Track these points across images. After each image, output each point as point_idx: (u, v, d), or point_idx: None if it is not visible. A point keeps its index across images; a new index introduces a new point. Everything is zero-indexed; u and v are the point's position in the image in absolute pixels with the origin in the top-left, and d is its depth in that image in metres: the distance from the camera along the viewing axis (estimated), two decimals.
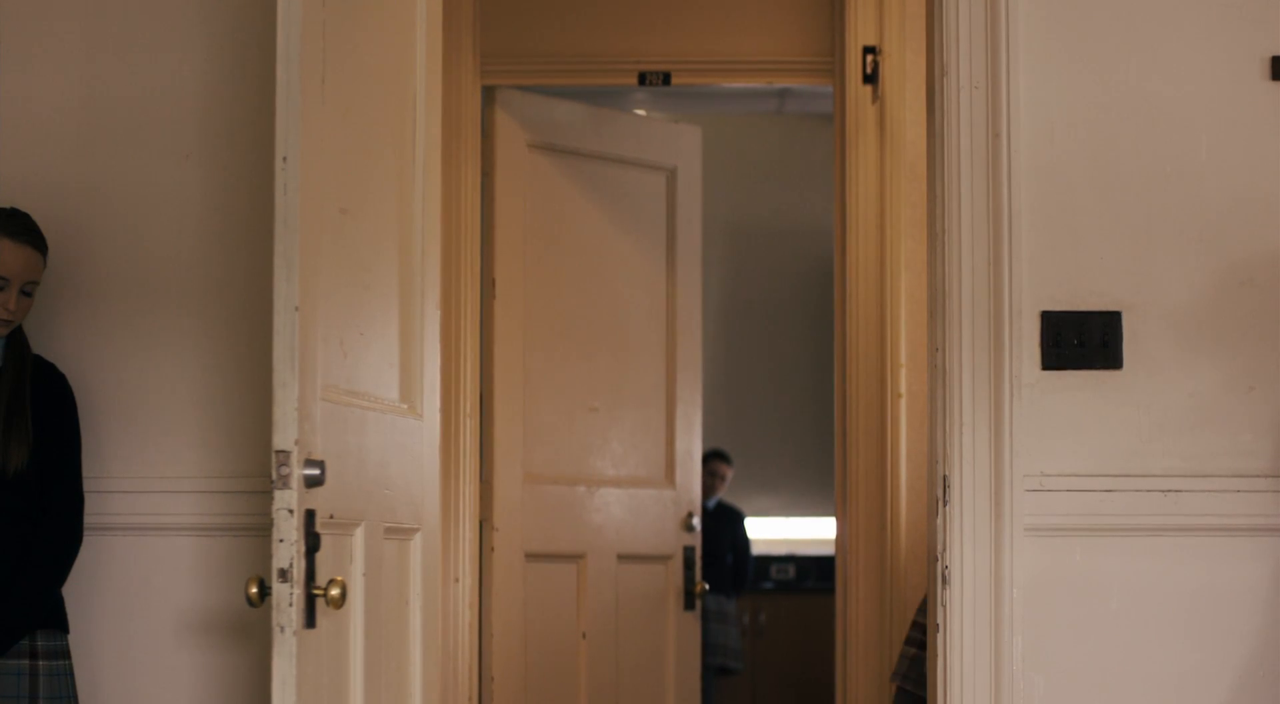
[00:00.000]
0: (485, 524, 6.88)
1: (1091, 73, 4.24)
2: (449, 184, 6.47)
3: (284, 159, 3.45)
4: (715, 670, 10.25)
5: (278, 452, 3.40)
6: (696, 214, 7.59)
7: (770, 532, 11.76)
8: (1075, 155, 4.23)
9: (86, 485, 4.23)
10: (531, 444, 7.06)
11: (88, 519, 4.23)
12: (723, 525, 10.58)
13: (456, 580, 6.46)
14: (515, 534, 6.97)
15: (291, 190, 3.45)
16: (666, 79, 6.90)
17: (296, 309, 3.42)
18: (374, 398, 3.85)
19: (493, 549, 6.88)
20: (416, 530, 4.05)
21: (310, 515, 3.43)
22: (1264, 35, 4.25)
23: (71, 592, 4.26)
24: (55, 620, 4.17)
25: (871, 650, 6.57)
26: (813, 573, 11.57)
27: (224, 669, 4.26)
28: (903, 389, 6.38)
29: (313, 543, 3.44)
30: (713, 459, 10.67)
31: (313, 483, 3.44)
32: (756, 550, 11.28)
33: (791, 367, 11.56)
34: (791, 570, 11.67)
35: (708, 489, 10.46)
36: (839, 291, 6.77)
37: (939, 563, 4.20)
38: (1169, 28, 4.26)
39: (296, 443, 3.40)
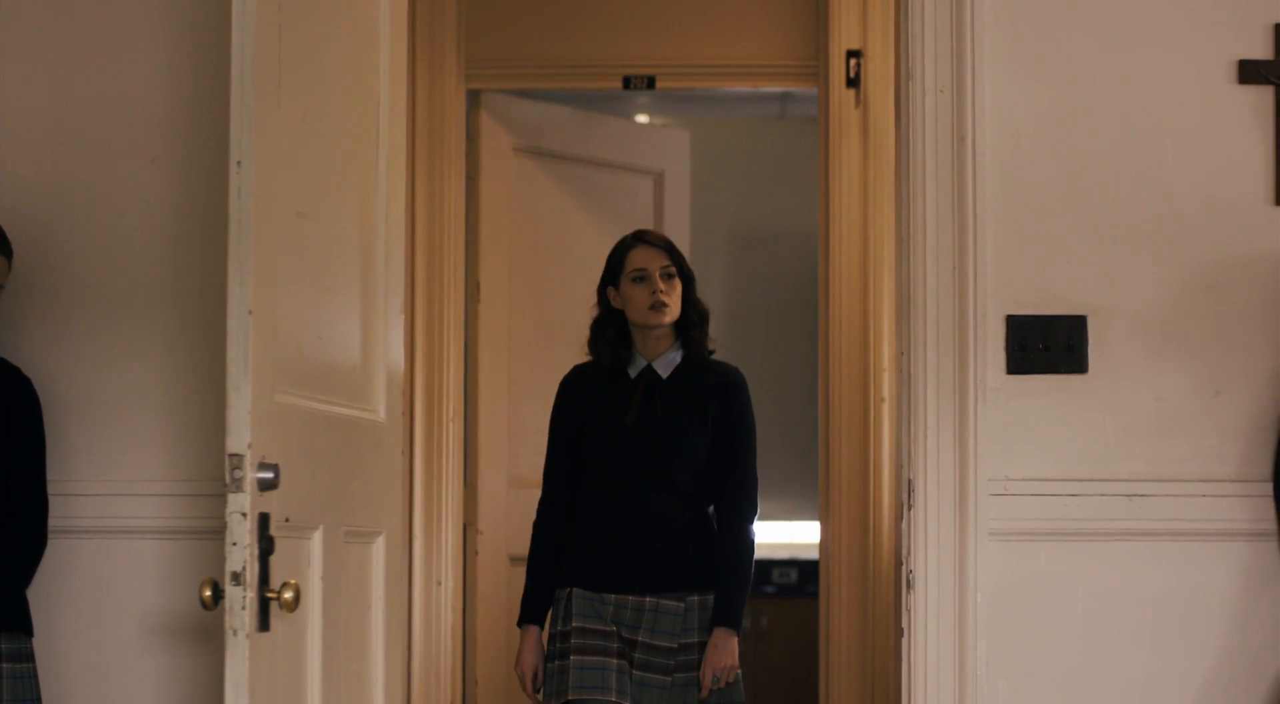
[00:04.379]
0: (469, 528, 6.89)
1: (1058, 76, 4.24)
2: (433, 188, 6.48)
3: (238, 163, 3.46)
4: None
5: (231, 455, 3.41)
6: (684, 218, 7.60)
7: (772, 536, 11.74)
8: (1041, 159, 4.23)
9: (51, 489, 4.24)
10: (516, 448, 7.06)
11: (52, 522, 4.23)
12: None
13: (439, 584, 6.47)
14: (499, 538, 6.97)
15: (245, 194, 3.45)
16: (651, 83, 6.90)
17: (250, 313, 3.43)
18: (333, 401, 3.84)
19: (476, 553, 6.89)
20: (379, 533, 4.05)
21: (264, 519, 3.43)
22: (1232, 39, 4.25)
23: (36, 595, 4.27)
24: (19, 623, 4.18)
25: (854, 652, 6.57)
26: (815, 577, 11.54)
27: (188, 672, 4.27)
28: (885, 393, 6.38)
29: (266, 546, 3.44)
30: None
31: (266, 486, 3.44)
32: (758, 554, 11.23)
33: (792, 371, 11.53)
34: (794, 575, 11.65)
35: None
36: (822, 295, 6.77)
37: (904, 567, 4.20)
38: (1136, 32, 4.25)
39: (249, 446, 3.40)
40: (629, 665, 4.80)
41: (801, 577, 11.58)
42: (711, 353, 4.99)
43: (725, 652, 4.80)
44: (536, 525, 5.01)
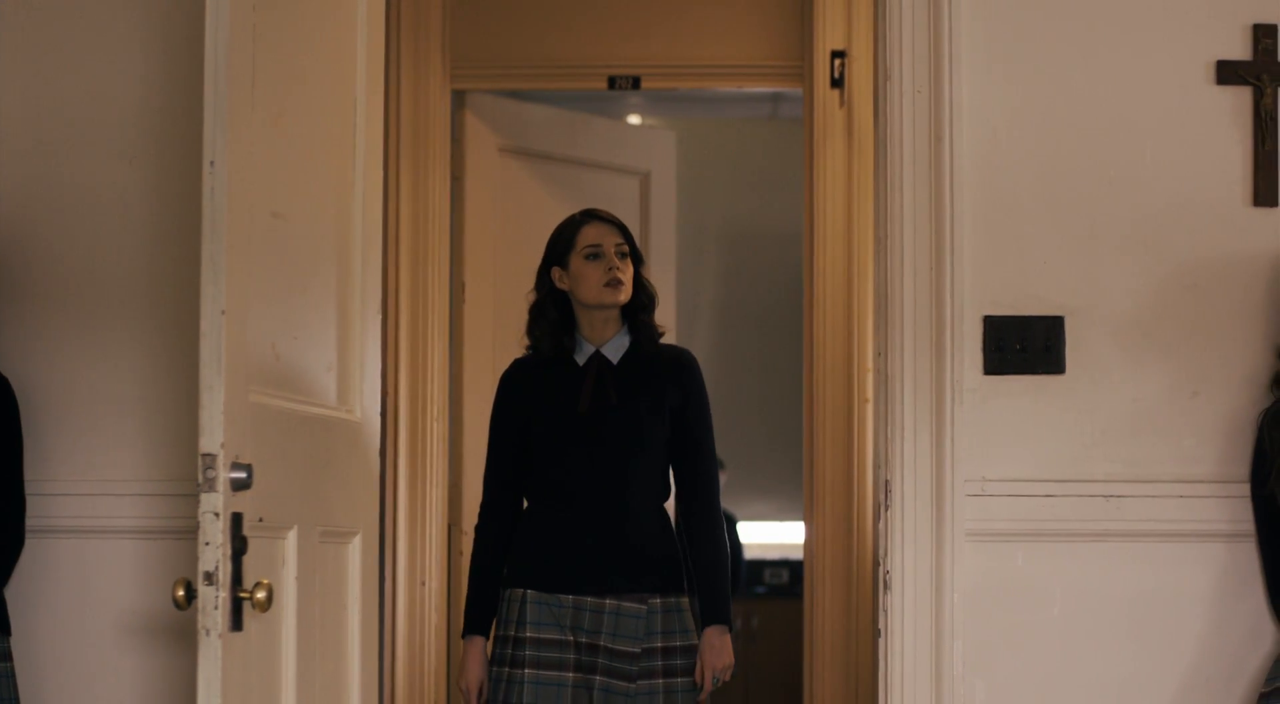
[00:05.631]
0: (454, 528, 6.89)
1: (1036, 77, 4.24)
2: (418, 188, 6.48)
3: (211, 163, 3.45)
4: None
5: (203, 455, 3.40)
6: (670, 218, 7.60)
7: (764, 536, 11.76)
8: (1019, 159, 4.23)
9: (28, 488, 4.24)
10: None
11: (30, 522, 4.24)
12: None
13: (423, 584, 6.47)
14: None
15: (219, 194, 3.45)
16: (636, 83, 6.90)
17: (223, 313, 3.42)
18: (309, 401, 3.84)
19: (461, 553, 6.88)
20: (355, 533, 4.05)
21: (237, 518, 3.43)
22: (1209, 40, 4.25)
23: (14, 594, 4.27)
24: None
25: (838, 652, 6.57)
26: None
27: (165, 671, 4.27)
28: (869, 394, 6.37)
29: (239, 546, 3.44)
30: None
31: (239, 486, 3.43)
32: (750, 555, 11.28)
33: (785, 371, 11.55)
34: (785, 575, 11.66)
35: None
36: (807, 296, 6.77)
37: (881, 568, 4.20)
38: (1114, 33, 4.25)
39: (222, 446, 3.40)
40: (587, 674, 4.55)
41: (793, 577, 11.60)
42: (660, 335, 4.73)
43: (722, 651, 4.58)
44: (480, 530, 4.72)
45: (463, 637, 4.69)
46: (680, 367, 4.69)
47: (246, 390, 3.52)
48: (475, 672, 4.64)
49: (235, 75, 3.49)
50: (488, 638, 4.66)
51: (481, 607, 4.68)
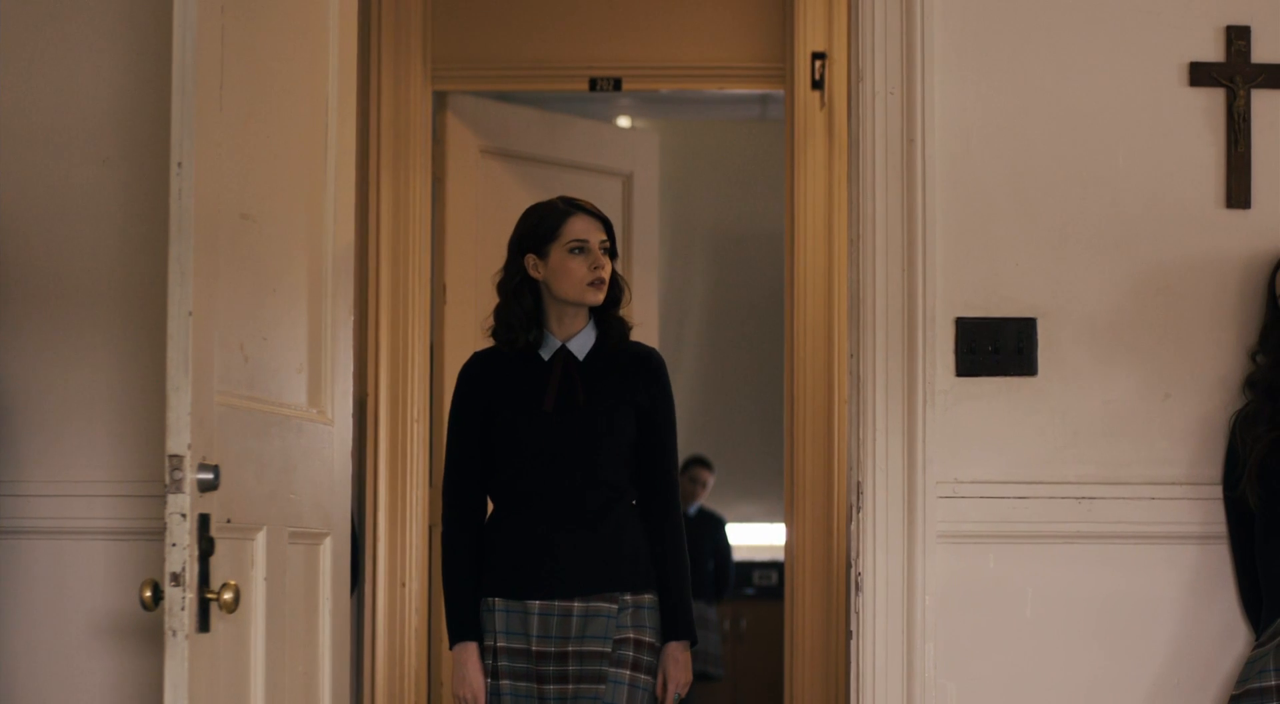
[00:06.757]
0: (434, 529, 6.88)
1: (1009, 79, 4.24)
2: (398, 189, 6.48)
3: (178, 165, 3.45)
4: (695, 677, 10.24)
5: (170, 456, 3.40)
6: (653, 219, 7.60)
7: (752, 538, 11.76)
8: (991, 161, 4.23)
9: (1, 489, 4.24)
10: None
11: (2, 523, 4.24)
12: (704, 532, 10.61)
13: (403, 585, 6.46)
14: None
15: (186, 195, 3.45)
16: (617, 84, 6.90)
17: (190, 314, 3.42)
18: (278, 403, 3.85)
19: None
20: (326, 535, 4.05)
21: (204, 519, 3.43)
22: (1183, 42, 4.25)
23: None
24: None
25: (817, 653, 6.58)
26: None
27: (138, 673, 4.27)
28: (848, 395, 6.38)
29: (206, 547, 3.44)
30: (694, 465, 10.69)
31: (206, 487, 3.44)
32: (739, 557, 11.28)
33: (772, 372, 11.56)
34: (774, 576, 11.67)
35: (688, 496, 10.47)
36: (788, 297, 6.78)
37: (852, 569, 4.20)
38: (1087, 34, 4.25)
39: (189, 447, 3.40)
40: (556, 684, 4.41)
41: (781, 579, 11.60)
42: (629, 329, 4.57)
43: (686, 666, 4.50)
44: (449, 535, 4.51)
45: (451, 647, 4.50)
46: (649, 368, 4.53)
47: (213, 392, 3.52)
48: (476, 678, 4.45)
49: (203, 76, 3.49)
50: (480, 642, 4.47)
51: (468, 610, 4.47)
